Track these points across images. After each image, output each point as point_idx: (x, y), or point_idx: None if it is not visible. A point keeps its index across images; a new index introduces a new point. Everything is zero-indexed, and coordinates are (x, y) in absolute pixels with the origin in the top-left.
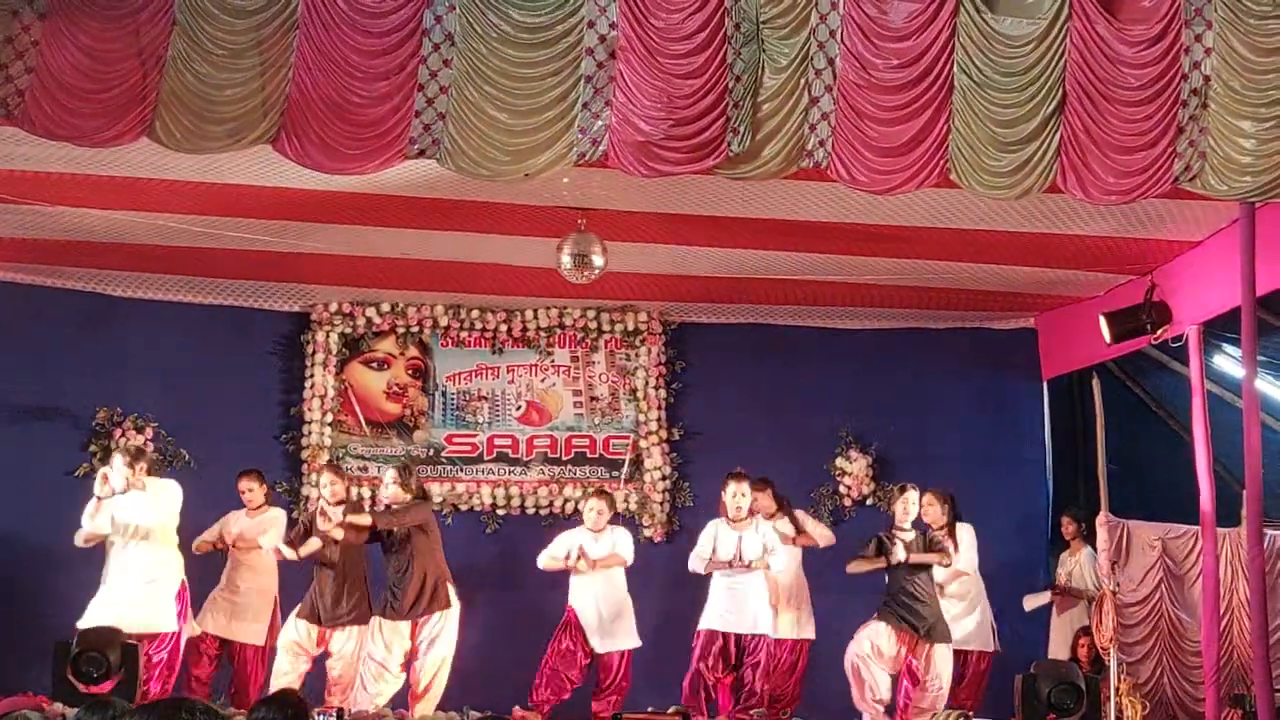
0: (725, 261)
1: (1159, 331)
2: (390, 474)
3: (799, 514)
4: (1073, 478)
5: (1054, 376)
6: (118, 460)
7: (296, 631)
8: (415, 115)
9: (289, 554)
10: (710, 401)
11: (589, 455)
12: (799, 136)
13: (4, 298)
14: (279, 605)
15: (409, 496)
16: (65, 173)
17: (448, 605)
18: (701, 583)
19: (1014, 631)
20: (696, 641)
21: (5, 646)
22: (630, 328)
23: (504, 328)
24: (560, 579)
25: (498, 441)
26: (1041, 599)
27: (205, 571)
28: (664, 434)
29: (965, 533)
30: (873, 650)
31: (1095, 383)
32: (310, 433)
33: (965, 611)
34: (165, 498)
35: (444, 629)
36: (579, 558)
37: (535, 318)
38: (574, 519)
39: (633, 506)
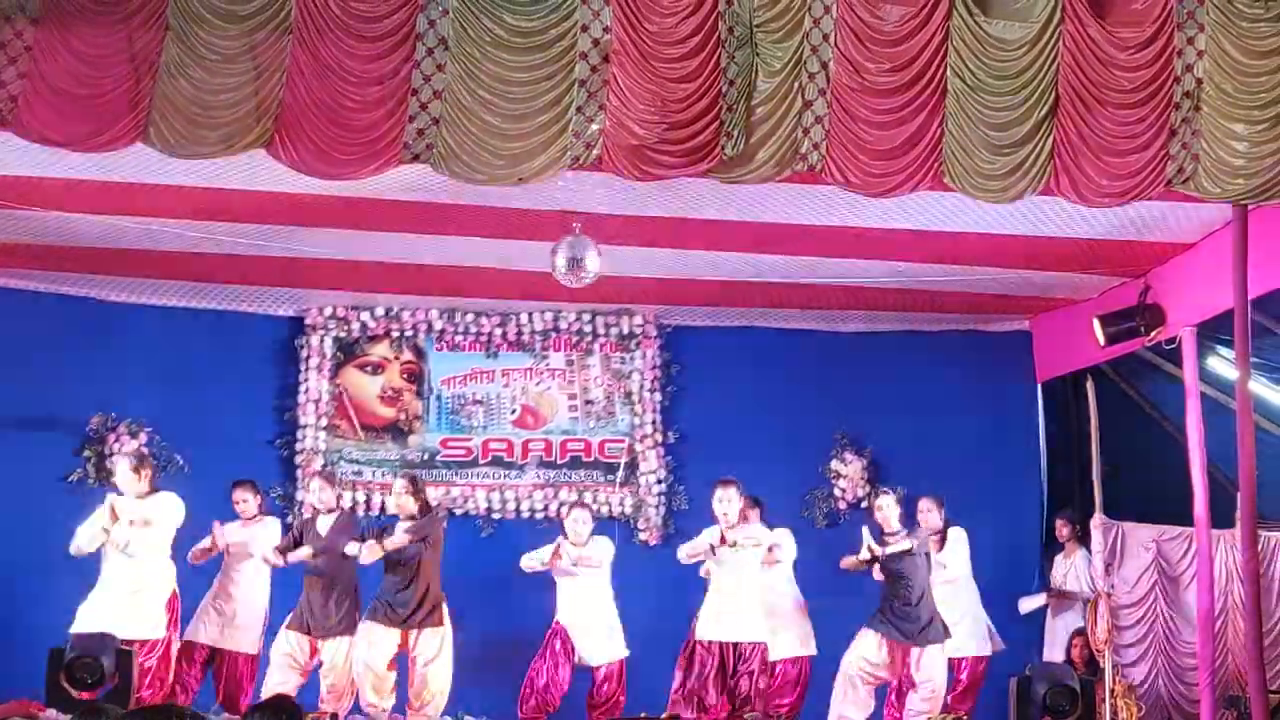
0: (720, 265)
1: (1153, 334)
2: (401, 484)
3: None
4: (1067, 480)
5: (1048, 379)
6: (123, 466)
7: (288, 643)
8: (409, 120)
9: (276, 561)
10: (705, 405)
11: (584, 459)
12: (793, 140)
13: None
14: (269, 614)
15: (418, 506)
16: (59, 177)
17: (443, 623)
18: (696, 589)
19: (1009, 634)
20: (688, 649)
21: None
22: (625, 331)
23: (499, 331)
24: (553, 587)
25: (492, 445)
26: (1037, 601)
27: (194, 581)
28: (659, 437)
29: (958, 537)
30: (866, 666)
31: (1089, 385)
32: (305, 437)
33: (957, 618)
34: (166, 511)
35: (443, 649)
36: (554, 554)
37: (530, 321)
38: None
39: (628, 510)
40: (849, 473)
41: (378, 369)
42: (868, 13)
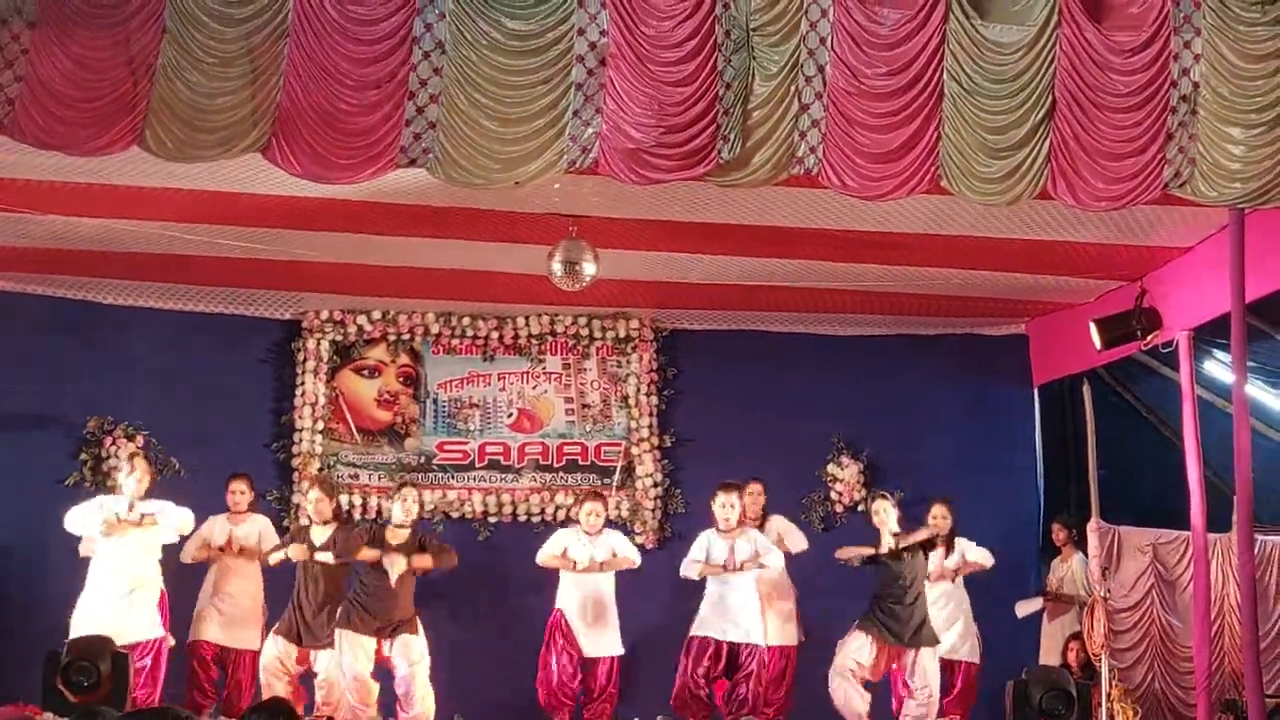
0: (716, 268)
1: (1149, 337)
2: (414, 493)
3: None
4: (1064, 483)
5: (1045, 382)
6: (141, 466)
7: (277, 648)
8: (406, 124)
9: (274, 559)
10: (702, 408)
11: (580, 462)
12: (789, 143)
13: None
14: (267, 609)
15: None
16: (55, 181)
17: (419, 632)
18: (693, 591)
19: (1005, 638)
20: (687, 649)
21: None
22: (621, 334)
23: (495, 335)
24: (551, 584)
25: (489, 449)
26: (1034, 605)
27: (181, 579)
28: (655, 441)
29: (965, 544)
30: (856, 666)
31: (1086, 388)
32: (301, 441)
33: (950, 621)
34: (174, 522)
35: (422, 650)
36: (589, 562)
37: (526, 325)
38: (565, 526)
39: (624, 513)
40: (846, 476)
41: (374, 372)
42: (864, 16)
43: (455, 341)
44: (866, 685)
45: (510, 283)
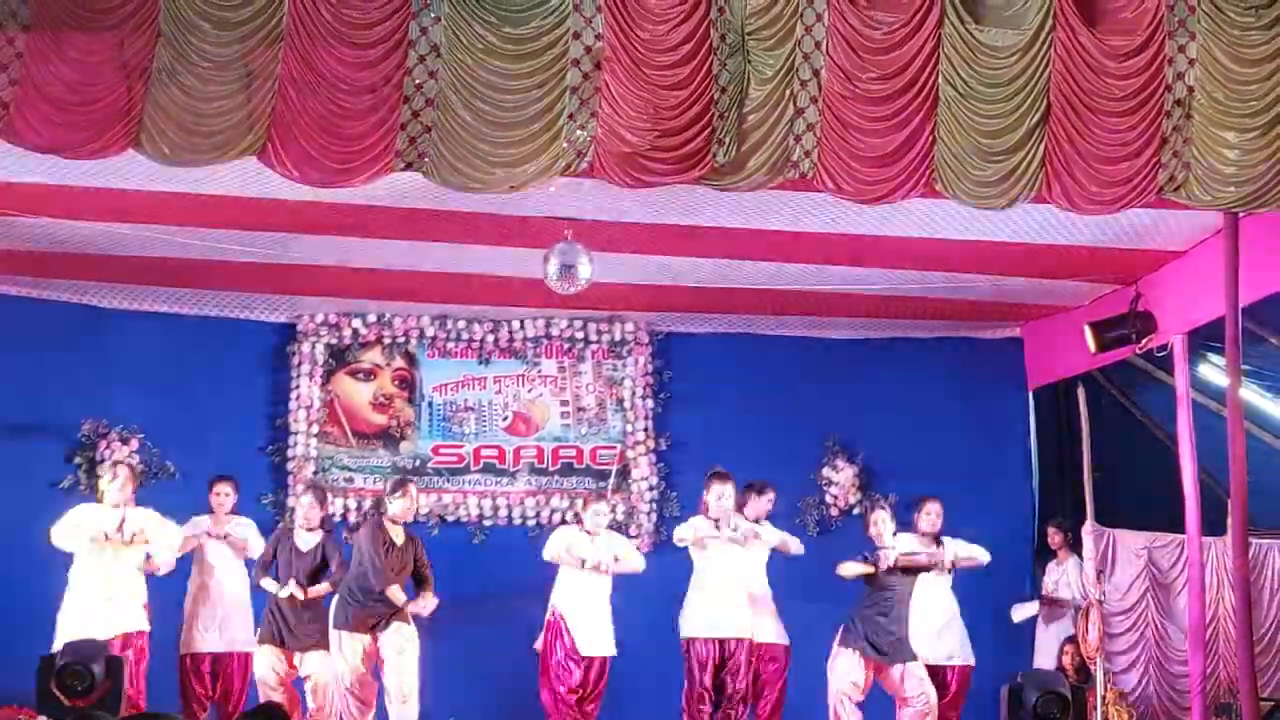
0: (712, 272)
1: (1144, 341)
2: (415, 489)
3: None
4: (1059, 487)
5: (1039, 386)
6: (124, 474)
7: (268, 659)
8: (401, 128)
9: (298, 593)
10: (697, 411)
11: (576, 466)
12: (784, 147)
13: None
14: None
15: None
16: (50, 184)
17: (409, 621)
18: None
19: (1000, 641)
20: (689, 654)
21: None
22: (617, 338)
23: (490, 338)
24: (547, 587)
25: (484, 452)
26: (1030, 609)
27: (164, 587)
28: (651, 444)
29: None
30: (853, 689)
31: (1080, 392)
32: (296, 444)
33: (945, 626)
34: (164, 543)
35: (412, 643)
36: (598, 563)
37: (522, 328)
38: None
39: (620, 517)
40: (840, 479)
41: (369, 376)
42: (859, 21)
43: (450, 345)
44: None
45: (505, 286)
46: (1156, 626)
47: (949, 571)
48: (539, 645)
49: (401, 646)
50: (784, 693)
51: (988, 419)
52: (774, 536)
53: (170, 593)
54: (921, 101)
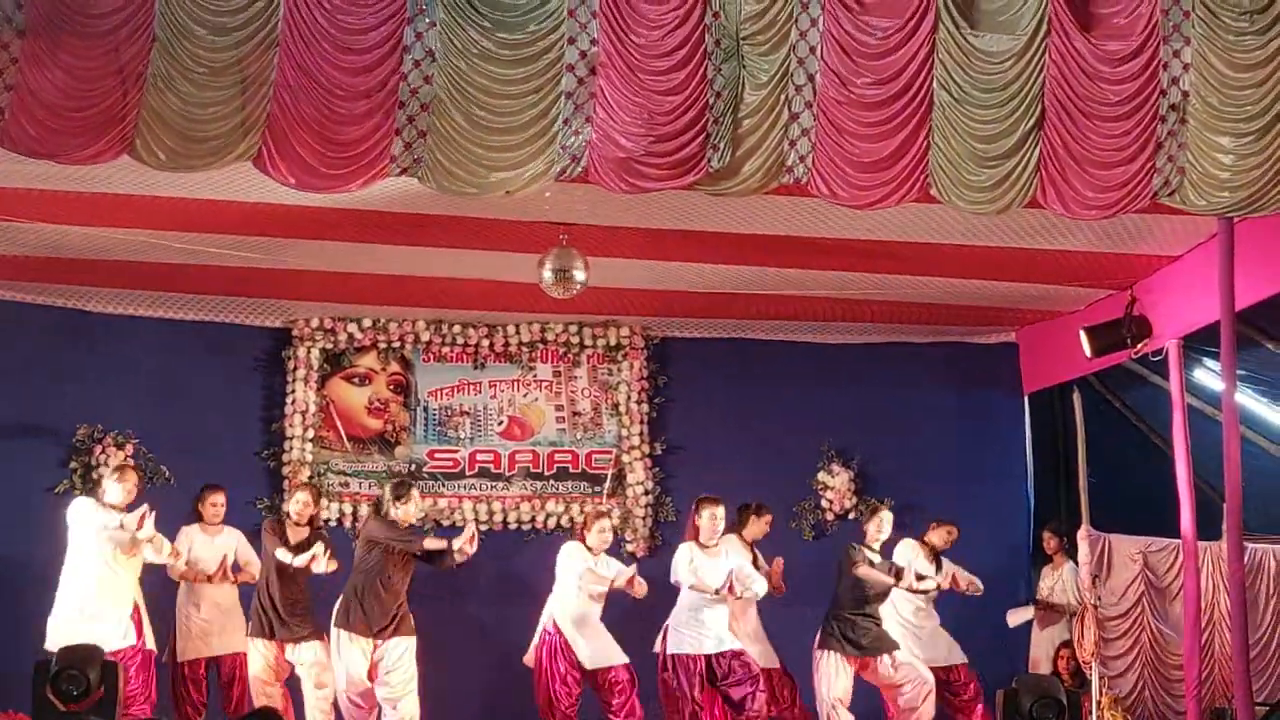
0: (707, 276)
1: (1139, 345)
2: (417, 492)
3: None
4: (1054, 491)
5: (1035, 390)
6: (132, 478)
7: (261, 654)
8: (396, 133)
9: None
10: (693, 416)
11: (571, 470)
12: (779, 152)
13: None
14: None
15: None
16: (45, 189)
17: (413, 633)
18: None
19: (996, 646)
20: (678, 671)
21: None
22: (612, 342)
23: (486, 343)
24: (542, 592)
25: (479, 457)
26: (1025, 614)
27: (155, 591)
28: (646, 449)
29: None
30: (844, 695)
31: (1076, 397)
32: (291, 449)
33: (930, 634)
34: (158, 556)
35: (410, 654)
36: (628, 583)
37: (517, 333)
38: (556, 534)
39: (615, 522)
40: (836, 484)
41: (365, 380)
42: (854, 26)
43: (446, 349)
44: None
45: (501, 291)
46: (1152, 631)
47: (939, 588)
48: (529, 660)
49: (398, 660)
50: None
51: (983, 424)
52: (762, 585)
53: (163, 600)
54: (916, 106)
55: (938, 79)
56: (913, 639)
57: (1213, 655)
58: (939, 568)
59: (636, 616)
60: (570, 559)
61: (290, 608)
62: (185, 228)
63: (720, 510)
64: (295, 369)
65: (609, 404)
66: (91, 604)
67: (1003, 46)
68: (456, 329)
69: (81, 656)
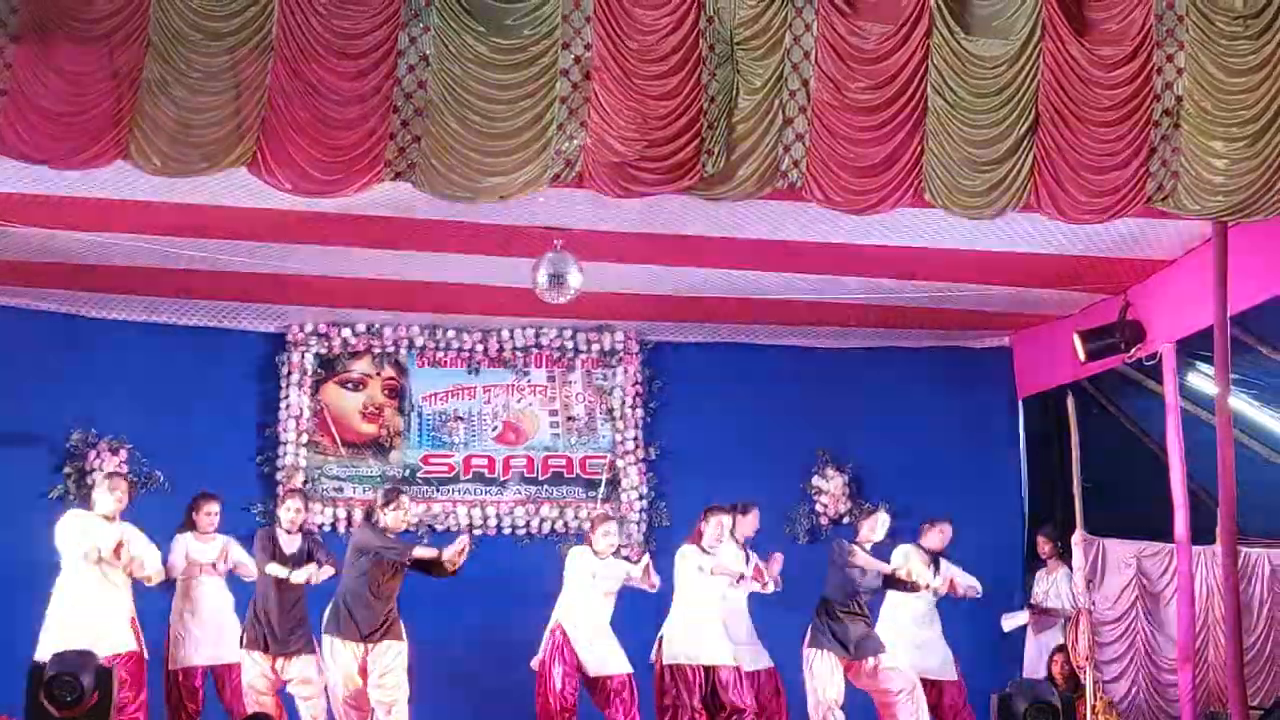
0: (702, 281)
1: (1133, 350)
2: (407, 499)
3: None
4: (1048, 496)
5: (1029, 395)
6: (123, 487)
7: (255, 665)
8: (391, 137)
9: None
10: (687, 421)
11: (566, 475)
12: (773, 157)
13: None
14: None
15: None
16: (39, 194)
17: (403, 638)
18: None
19: (990, 651)
20: (676, 682)
21: None
22: (607, 347)
23: (480, 348)
24: (541, 598)
25: (474, 462)
26: (1020, 618)
27: (151, 599)
28: (641, 453)
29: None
30: (839, 695)
31: (1070, 401)
32: (286, 454)
33: (926, 641)
34: (150, 567)
35: (401, 658)
36: (644, 573)
37: (511, 338)
38: (551, 539)
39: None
40: (830, 489)
41: (359, 385)
42: (848, 31)
43: (440, 354)
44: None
45: (495, 295)
46: (1146, 635)
47: (946, 591)
48: (535, 663)
49: (389, 665)
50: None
51: (977, 428)
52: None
53: (157, 609)
54: (910, 111)
55: (932, 84)
56: (909, 646)
57: (1207, 659)
58: (937, 571)
59: (631, 625)
60: (576, 562)
61: (285, 622)
62: (179, 233)
63: (727, 520)
64: (289, 374)
65: (603, 409)
66: (86, 613)
67: (997, 51)
68: (451, 334)
69: (76, 662)
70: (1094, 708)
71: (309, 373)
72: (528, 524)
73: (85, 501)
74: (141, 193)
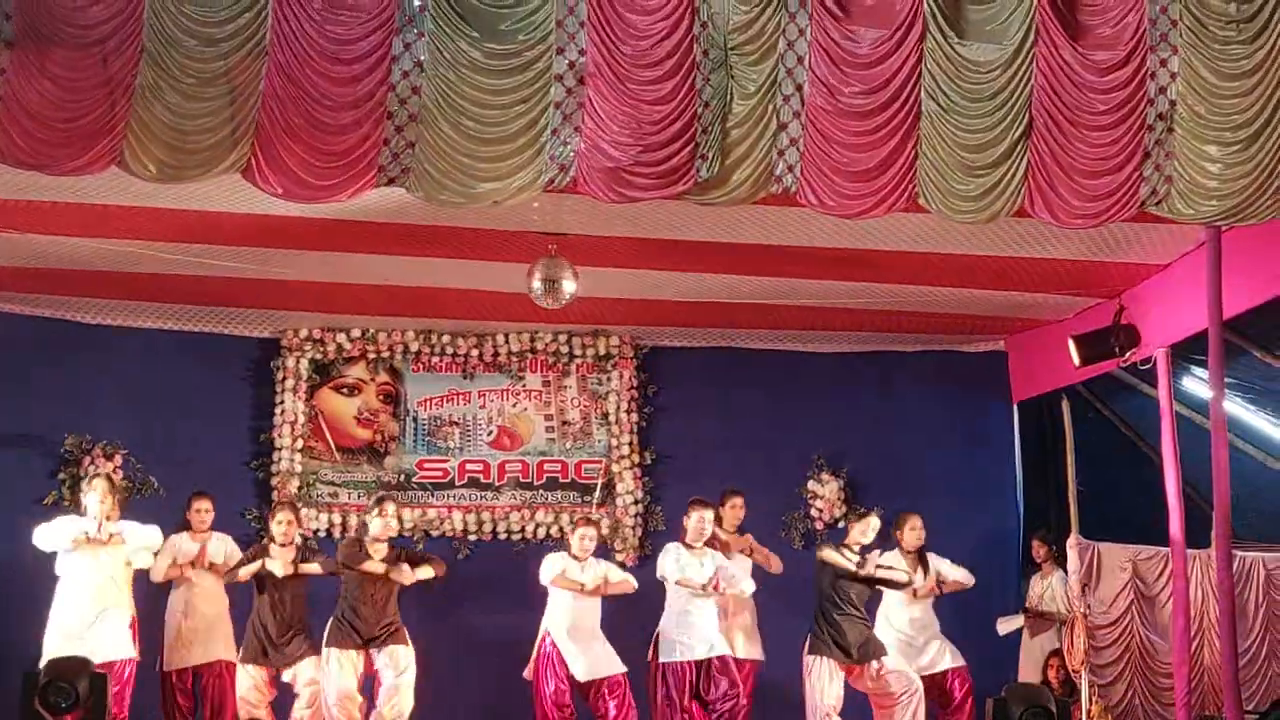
0: (696, 286)
1: (1128, 354)
2: (393, 508)
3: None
4: (1043, 500)
5: (1024, 399)
6: (101, 485)
7: (250, 677)
8: (385, 143)
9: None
10: (682, 425)
11: (561, 480)
12: (767, 162)
13: None
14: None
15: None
16: (33, 200)
17: (408, 643)
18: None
19: (985, 655)
20: (669, 680)
21: None
22: (602, 352)
23: (475, 353)
24: (534, 603)
25: (469, 467)
26: (1015, 622)
27: (153, 603)
28: (636, 458)
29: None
30: (836, 701)
31: (1065, 405)
32: (281, 459)
33: (929, 639)
34: (142, 540)
35: (409, 664)
36: (595, 584)
37: (506, 342)
38: (546, 544)
39: (605, 531)
40: (826, 493)
41: (354, 390)
42: (842, 35)
43: (435, 359)
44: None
45: (490, 300)
46: (1141, 639)
47: (937, 592)
48: (528, 673)
49: (400, 670)
50: (750, 704)
51: (972, 432)
52: (750, 586)
53: (160, 617)
54: (904, 116)
55: (925, 88)
56: (905, 649)
57: (1202, 663)
58: (926, 568)
59: (629, 624)
60: (547, 563)
61: (283, 632)
62: (174, 238)
63: (709, 514)
64: (284, 379)
65: (598, 413)
66: (87, 617)
67: (990, 56)
68: (446, 339)
69: (70, 668)
70: (1090, 712)
71: (304, 378)
72: (523, 529)
73: (78, 507)
74: (136, 198)
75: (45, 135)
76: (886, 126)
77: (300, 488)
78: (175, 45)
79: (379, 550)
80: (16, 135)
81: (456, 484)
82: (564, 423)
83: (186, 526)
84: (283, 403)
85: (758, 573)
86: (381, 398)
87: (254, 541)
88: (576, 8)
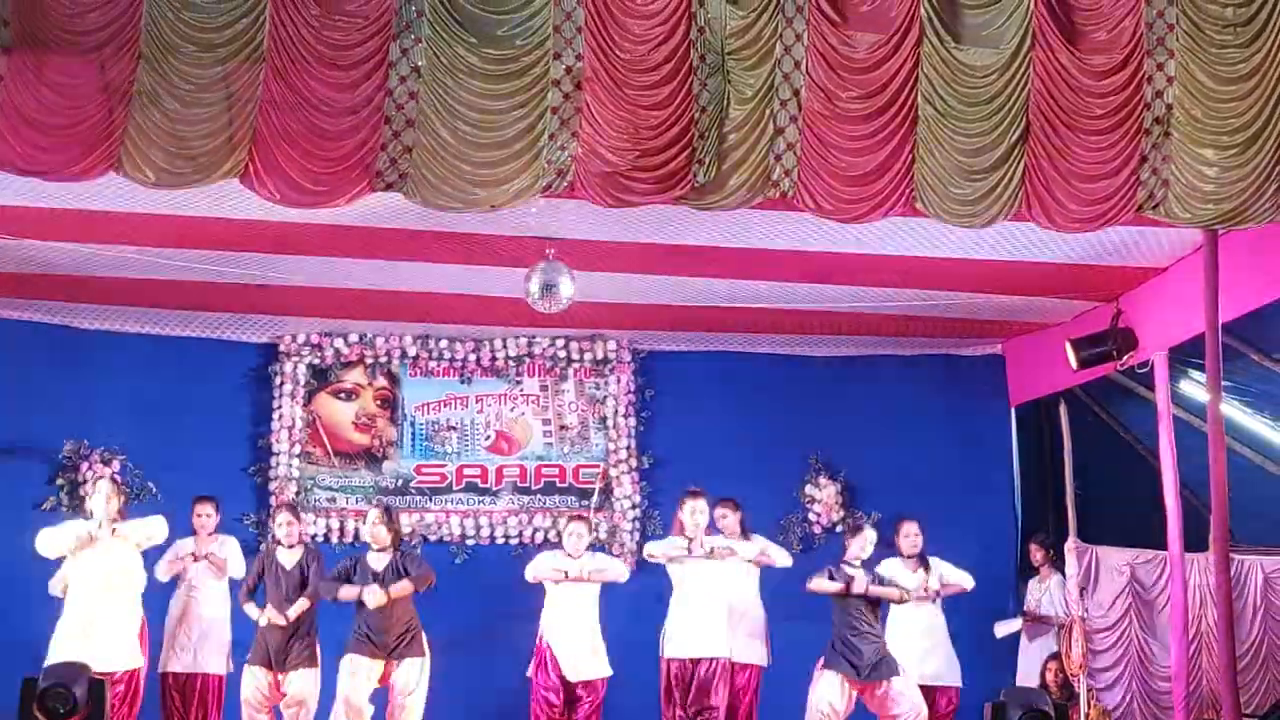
0: (694, 290)
1: (1125, 358)
2: (375, 514)
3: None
4: (1041, 503)
5: (1021, 403)
6: (106, 486)
7: (255, 680)
8: (382, 148)
9: (279, 619)
10: (680, 429)
11: (559, 484)
12: (765, 166)
13: None
14: (232, 631)
15: (391, 536)
16: (31, 206)
17: (424, 653)
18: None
19: (982, 659)
20: (670, 676)
21: None
22: (599, 356)
23: (472, 357)
24: (535, 608)
25: (467, 471)
26: (1013, 626)
27: (162, 609)
28: (634, 462)
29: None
30: (830, 710)
31: (1062, 409)
32: (278, 464)
33: (931, 648)
34: (148, 530)
35: (423, 677)
36: (580, 573)
37: (504, 347)
38: (543, 548)
39: (603, 535)
40: (823, 497)
41: (351, 395)
42: (839, 40)
43: (433, 364)
44: None
45: (487, 305)
46: (1139, 643)
47: (937, 596)
48: (531, 672)
49: (409, 690)
50: (752, 713)
51: (970, 436)
52: (750, 550)
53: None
54: (901, 120)
55: (922, 93)
56: (912, 655)
57: (1200, 667)
58: (928, 571)
59: (637, 623)
60: (534, 560)
61: (286, 639)
62: (172, 244)
63: (702, 503)
64: (282, 384)
65: (596, 418)
66: (94, 620)
67: (987, 60)
68: (443, 343)
69: (69, 674)
70: (1088, 716)
71: (301, 383)
72: (520, 534)
73: (77, 513)
74: (134, 204)
75: (43, 141)
76: (883, 131)
77: (298, 493)
78: (173, 51)
79: (381, 559)
80: (14, 141)
81: (454, 488)
82: (562, 427)
83: (191, 532)
84: (280, 408)
85: (766, 575)
86: (379, 402)
87: (255, 548)
88: (573, 13)
